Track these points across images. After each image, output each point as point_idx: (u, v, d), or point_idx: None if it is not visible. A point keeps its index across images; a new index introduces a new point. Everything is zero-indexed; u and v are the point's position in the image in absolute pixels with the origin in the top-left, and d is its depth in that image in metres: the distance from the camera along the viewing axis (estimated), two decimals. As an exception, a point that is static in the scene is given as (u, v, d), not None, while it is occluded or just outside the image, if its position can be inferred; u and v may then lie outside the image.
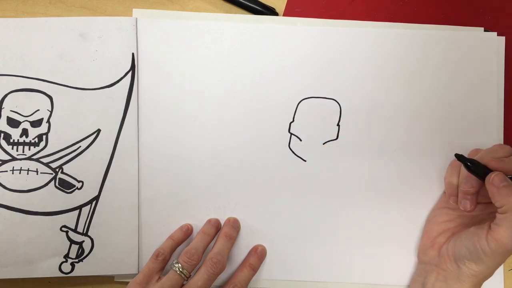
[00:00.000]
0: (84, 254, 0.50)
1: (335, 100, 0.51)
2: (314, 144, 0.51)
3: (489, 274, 0.45)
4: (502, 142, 0.52)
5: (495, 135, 0.52)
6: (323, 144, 0.52)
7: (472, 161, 0.44)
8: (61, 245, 0.50)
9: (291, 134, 0.51)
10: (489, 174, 0.43)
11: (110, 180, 0.50)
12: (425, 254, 0.49)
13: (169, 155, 0.51)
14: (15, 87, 0.50)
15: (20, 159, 0.50)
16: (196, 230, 0.51)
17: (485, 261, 0.44)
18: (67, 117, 0.50)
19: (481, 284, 0.46)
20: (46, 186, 0.50)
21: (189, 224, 0.51)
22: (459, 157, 0.45)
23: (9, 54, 0.50)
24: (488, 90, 0.52)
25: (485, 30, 0.52)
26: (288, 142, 0.51)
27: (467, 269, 0.45)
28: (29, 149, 0.50)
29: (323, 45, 0.51)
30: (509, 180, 0.43)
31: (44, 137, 0.50)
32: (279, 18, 0.52)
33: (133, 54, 0.51)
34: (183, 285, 0.46)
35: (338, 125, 0.52)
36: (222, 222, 0.51)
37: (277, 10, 0.53)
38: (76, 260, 0.50)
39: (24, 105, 0.50)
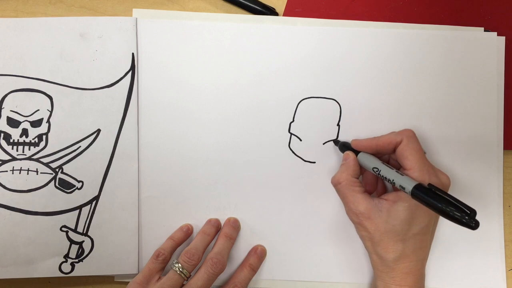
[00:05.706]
0: (84, 254, 0.50)
1: (335, 100, 0.51)
2: (314, 144, 0.51)
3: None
4: (501, 142, 0.52)
5: (495, 135, 0.52)
6: (323, 144, 0.52)
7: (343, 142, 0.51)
8: (61, 245, 0.50)
9: (291, 134, 0.51)
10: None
11: (110, 180, 0.50)
12: None
13: (169, 155, 0.51)
14: (15, 87, 0.50)
15: (20, 159, 0.50)
16: (196, 230, 0.51)
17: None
18: (67, 117, 0.50)
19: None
20: (46, 186, 0.50)
21: (189, 224, 0.51)
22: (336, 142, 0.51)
23: (9, 54, 0.50)
24: (488, 90, 0.52)
25: (485, 30, 0.52)
26: (288, 142, 0.51)
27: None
28: (29, 149, 0.50)
29: (323, 45, 0.51)
30: (353, 159, 0.48)
31: (44, 137, 0.50)
32: (279, 18, 0.52)
33: (133, 54, 0.51)
34: (183, 285, 0.46)
35: (338, 125, 0.51)
36: (222, 222, 0.51)
37: (277, 10, 0.53)
38: (76, 260, 0.50)
39: (24, 105, 0.50)
